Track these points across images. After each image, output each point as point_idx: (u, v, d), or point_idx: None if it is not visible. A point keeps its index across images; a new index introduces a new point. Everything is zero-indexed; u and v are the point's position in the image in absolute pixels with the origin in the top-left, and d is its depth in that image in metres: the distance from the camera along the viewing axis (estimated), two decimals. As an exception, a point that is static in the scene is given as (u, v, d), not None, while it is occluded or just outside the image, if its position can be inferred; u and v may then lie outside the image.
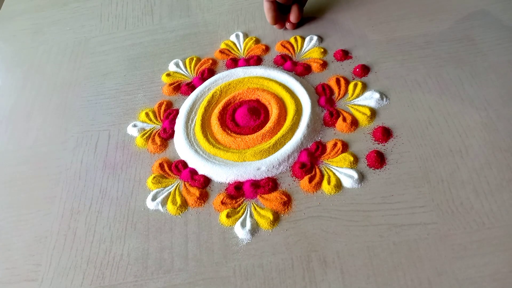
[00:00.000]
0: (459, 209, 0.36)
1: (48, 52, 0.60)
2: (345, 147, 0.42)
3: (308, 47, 0.52)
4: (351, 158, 0.40)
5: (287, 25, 0.53)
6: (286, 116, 0.45)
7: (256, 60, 0.51)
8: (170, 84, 0.51)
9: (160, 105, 0.49)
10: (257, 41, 0.54)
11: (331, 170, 0.40)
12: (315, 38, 0.52)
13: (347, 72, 0.48)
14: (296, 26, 0.54)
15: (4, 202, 0.45)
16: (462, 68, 0.45)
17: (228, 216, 0.39)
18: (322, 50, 0.51)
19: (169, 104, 0.50)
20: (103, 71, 0.55)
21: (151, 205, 0.41)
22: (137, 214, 0.41)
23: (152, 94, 0.51)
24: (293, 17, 0.52)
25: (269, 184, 0.40)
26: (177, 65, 0.53)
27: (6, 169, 0.47)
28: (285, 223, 0.38)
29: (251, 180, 0.41)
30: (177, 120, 0.47)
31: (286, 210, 0.39)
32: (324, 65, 0.49)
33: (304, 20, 0.55)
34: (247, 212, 0.39)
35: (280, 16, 0.52)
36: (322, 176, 0.40)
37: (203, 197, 0.41)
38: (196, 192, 0.41)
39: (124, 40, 0.58)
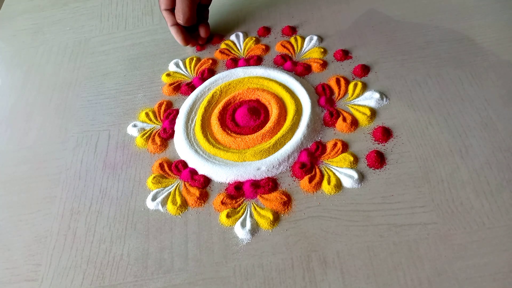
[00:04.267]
0: (459, 209, 0.36)
1: (48, 52, 0.60)
2: (345, 147, 0.42)
3: (308, 47, 0.51)
4: (351, 158, 0.40)
5: (200, 40, 0.54)
6: (286, 116, 0.45)
7: (256, 60, 0.51)
8: (170, 84, 0.51)
9: (160, 105, 0.49)
10: (257, 41, 0.54)
11: (331, 170, 0.40)
12: (315, 38, 0.52)
13: (347, 72, 0.48)
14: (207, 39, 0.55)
15: (4, 202, 0.45)
16: (462, 68, 0.45)
17: (228, 216, 0.39)
18: (322, 50, 0.50)
19: (169, 104, 0.50)
20: (103, 71, 0.55)
21: (151, 205, 0.41)
22: (137, 214, 0.41)
23: (152, 94, 0.51)
24: (203, 32, 0.54)
25: (269, 184, 0.40)
26: (177, 65, 0.53)
27: (6, 169, 0.47)
28: (285, 223, 0.38)
29: (251, 180, 0.41)
30: (177, 120, 0.47)
31: (286, 210, 0.39)
32: (324, 65, 0.49)
33: (304, 20, 0.55)
34: (247, 212, 0.39)
35: (189, 36, 0.54)
36: (322, 176, 0.40)
37: (203, 197, 0.41)
38: (196, 192, 0.41)
39: (124, 40, 0.58)
